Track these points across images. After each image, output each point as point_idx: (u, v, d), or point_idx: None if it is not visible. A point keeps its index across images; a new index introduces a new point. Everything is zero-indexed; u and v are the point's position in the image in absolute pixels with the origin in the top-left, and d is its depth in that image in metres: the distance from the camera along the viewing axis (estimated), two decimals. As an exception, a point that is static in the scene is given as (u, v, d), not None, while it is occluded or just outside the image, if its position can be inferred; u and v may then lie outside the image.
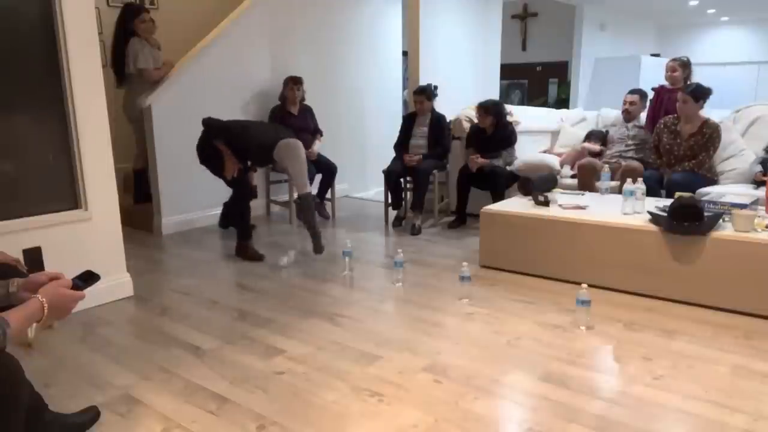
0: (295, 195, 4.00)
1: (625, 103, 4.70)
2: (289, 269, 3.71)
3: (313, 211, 3.82)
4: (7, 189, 2.75)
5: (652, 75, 8.28)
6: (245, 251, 3.96)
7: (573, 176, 4.60)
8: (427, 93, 4.86)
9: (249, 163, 4.09)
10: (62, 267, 2.23)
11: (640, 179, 3.54)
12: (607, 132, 4.84)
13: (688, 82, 4.51)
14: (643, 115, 4.74)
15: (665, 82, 4.66)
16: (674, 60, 4.60)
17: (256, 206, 5.31)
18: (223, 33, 4.84)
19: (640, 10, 10.50)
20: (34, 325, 1.43)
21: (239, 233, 4.02)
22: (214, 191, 4.98)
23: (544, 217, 3.44)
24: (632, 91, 4.74)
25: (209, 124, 3.91)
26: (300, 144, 3.82)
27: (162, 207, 4.63)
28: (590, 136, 4.90)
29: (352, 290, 3.31)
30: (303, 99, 5.14)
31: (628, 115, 4.66)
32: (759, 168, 3.93)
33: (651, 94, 4.76)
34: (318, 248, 3.84)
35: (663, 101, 4.59)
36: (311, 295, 3.25)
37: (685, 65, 4.57)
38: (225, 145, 3.87)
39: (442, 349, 2.53)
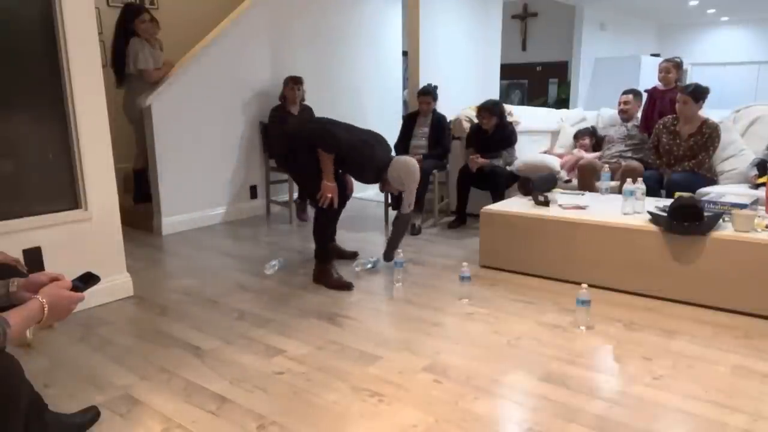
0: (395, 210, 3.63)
1: (619, 104, 4.72)
2: (290, 269, 3.71)
3: (405, 230, 3.64)
4: (7, 189, 2.75)
5: (652, 75, 8.23)
6: (327, 277, 3.38)
7: (567, 181, 4.59)
8: (433, 94, 4.88)
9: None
10: (62, 267, 2.24)
11: (640, 179, 3.54)
12: (594, 129, 4.87)
13: (678, 83, 4.54)
14: (640, 115, 4.74)
15: (658, 83, 4.68)
16: (668, 61, 4.62)
17: (257, 207, 5.33)
18: (223, 33, 4.84)
19: (640, 10, 10.50)
20: (34, 325, 1.43)
21: (318, 254, 3.44)
22: (214, 191, 4.99)
23: (544, 217, 3.44)
24: (626, 92, 4.75)
25: (331, 134, 3.27)
26: (416, 163, 3.48)
27: (162, 207, 4.63)
28: (579, 136, 4.94)
29: (351, 290, 3.31)
30: (303, 99, 5.14)
31: (625, 115, 4.67)
32: (754, 171, 3.93)
33: (644, 96, 4.78)
34: (388, 256, 3.61)
35: (656, 102, 4.60)
36: (311, 295, 3.25)
37: (679, 66, 4.60)
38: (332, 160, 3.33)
39: (442, 349, 2.53)
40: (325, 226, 3.45)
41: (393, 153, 3.58)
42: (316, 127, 3.36)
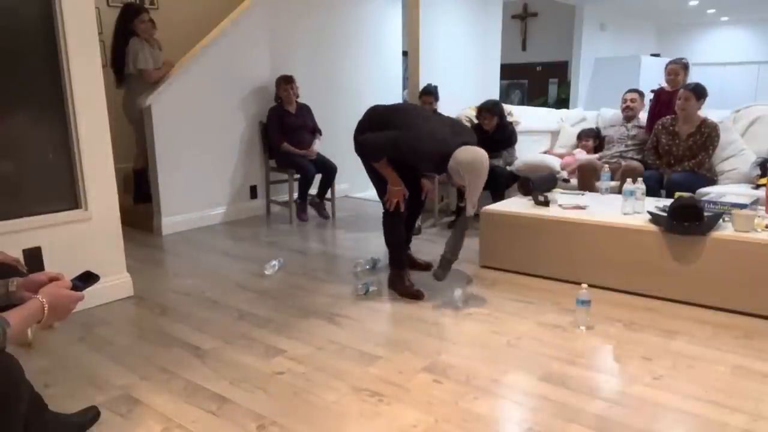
0: (462, 211, 3.09)
1: (625, 101, 4.71)
2: (290, 269, 3.71)
3: (463, 235, 3.08)
4: (7, 189, 2.75)
5: (652, 75, 8.28)
6: (399, 283, 3.24)
7: (565, 180, 4.59)
8: (435, 94, 4.89)
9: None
10: (62, 267, 2.24)
11: (640, 179, 3.54)
12: (598, 130, 4.86)
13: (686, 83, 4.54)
14: (642, 115, 4.74)
15: (664, 84, 4.67)
16: (675, 63, 4.60)
17: (257, 207, 5.33)
18: (223, 33, 4.84)
19: (640, 10, 10.50)
20: (34, 325, 1.43)
21: (393, 260, 3.30)
22: (214, 191, 4.99)
23: (544, 217, 3.44)
24: (631, 90, 4.76)
25: (363, 144, 3.10)
26: (486, 156, 2.93)
27: (162, 207, 4.63)
28: (582, 137, 4.93)
29: (352, 290, 3.31)
30: (298, 96, 5.14)
31: (631, 113, 4.66)
32: (757, 171, 3.94)
33: (649, 96, 4.77)
34: (439, 274, 3.09)
35: (662, 103, 4.59)
36: (311, 295, 3.25)
37: (686, 67, 4.59)
38: (388, 164, 3.10)
39: (442, 349, 2.53)
40: (392, 229, 3.26)
41: (466, 142, 3.00)
42: (355, 141, 3.21)
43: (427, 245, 4.23)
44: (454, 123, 3.21)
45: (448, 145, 2.94)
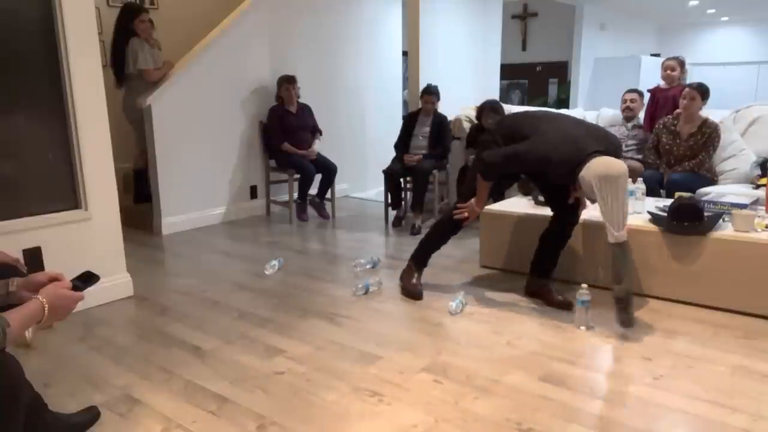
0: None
1: (624, 101, 4.71)
2: (290, 269, 3.71)
3: (627, 267, 2.61)
4: (7, 189, 2.75)
5: (652, 75, 8.27)
6: (408, 279, 3.27)
7: None
8: (437, 93, 4.89)
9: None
10: (62, 267, 2.24)
11: (640, 179, 3.54)
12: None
13: (681, 81, 4.55)
14: (642, 115, 4.75)
15: (661, 82, 4.68)
16: (672, 59, 4.63)
17: (257, 207, 5.33)
18: (223, 33, 4.84)
19: (640, 10, 10.51)
20: (34, 325, 1.43)
21: (416, 255, 3.31)
22: (214, 191, 4.99)
23: (544, 217, 3.43)
24: (630, 90, 4.77)
25: (482, 162, 2.85)
26: (623, 169, 2.53)
27: (162, 207, 4.63)
28: None
29: (352, 290, 3.30)
30: (299, 96, 5.14)
31: (630, 113, 4.66)
32: (758, 172, 3.94)
33: (647, 96, 4.78)
34: (624, 319, 2.63)
35: (659, 102, 4.60)
36: (311, 295, 3.25)
37: (682, 64, 4.62)
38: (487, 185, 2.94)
39: (442, 349, 2.53)
40: (442, 232, 3.23)
41: (602, 150, 2.63)
42: (477, 159, 3.03)
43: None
44: (586, 123, 2.88)
45: (579, 148, 2.61)
